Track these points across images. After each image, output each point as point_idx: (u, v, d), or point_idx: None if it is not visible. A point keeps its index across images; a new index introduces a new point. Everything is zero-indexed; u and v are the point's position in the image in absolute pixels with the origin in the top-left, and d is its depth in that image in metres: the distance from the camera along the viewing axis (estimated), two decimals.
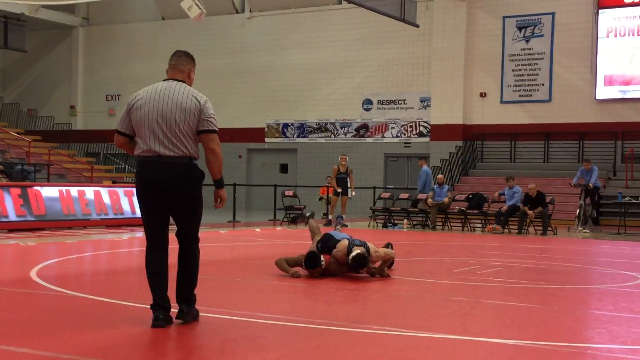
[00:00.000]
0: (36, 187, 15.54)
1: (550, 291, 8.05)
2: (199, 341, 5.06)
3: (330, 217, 19.31)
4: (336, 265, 8.27)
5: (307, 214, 10.11)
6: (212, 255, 10.21)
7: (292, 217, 19.73)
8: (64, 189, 16.04)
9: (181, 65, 5.49)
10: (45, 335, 5.06)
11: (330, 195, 20.19)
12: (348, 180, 19.51)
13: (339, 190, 19.31)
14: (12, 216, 14.55)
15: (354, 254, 7.98)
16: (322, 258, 8.18)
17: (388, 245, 9.29)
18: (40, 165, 21.68)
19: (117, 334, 5.09)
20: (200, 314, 5.56)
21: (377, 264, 8.43)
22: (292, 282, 8.02)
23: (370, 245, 8.31)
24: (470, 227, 19.00)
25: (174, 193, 5.26)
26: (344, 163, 19.66)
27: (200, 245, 5.52)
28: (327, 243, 8.38)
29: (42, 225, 15.05)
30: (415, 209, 19.70)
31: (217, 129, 5.36)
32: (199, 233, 5.55)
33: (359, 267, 8.09)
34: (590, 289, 8.36)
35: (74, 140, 31.42)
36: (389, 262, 8.69)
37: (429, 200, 19.02)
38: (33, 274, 8.17)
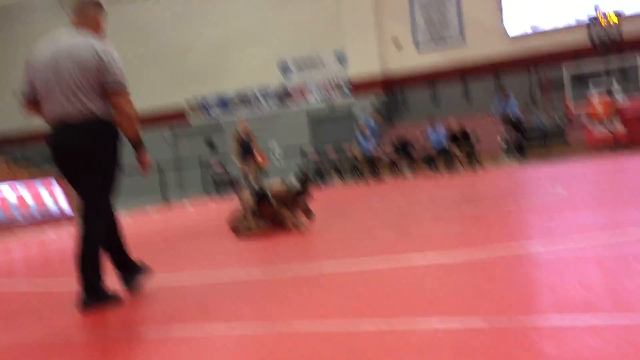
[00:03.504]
0: None
1: (473, 214, 8.15)
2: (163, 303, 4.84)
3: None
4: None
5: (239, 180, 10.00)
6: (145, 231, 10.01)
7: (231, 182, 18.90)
8: None
9: (88, 11, 4.83)
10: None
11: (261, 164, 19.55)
12: (250, 144, 17.86)
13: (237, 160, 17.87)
14: None
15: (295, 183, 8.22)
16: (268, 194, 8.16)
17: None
18: None
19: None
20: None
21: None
22: (228, 242, 7.93)
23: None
24: (401, 173, 19.14)
25: (77, 156, 4.66)
26: (242, 127, 17.96)
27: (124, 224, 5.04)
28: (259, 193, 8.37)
29: None
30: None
31: (124, 85, 4.68)
32: (106, 208, 4.81)
33: (307, 182, 8.25)
34: (513, 208, 8.49)
35: None
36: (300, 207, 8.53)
37: (356, 152, 19.09)
38: None
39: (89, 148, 4.64)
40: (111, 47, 4.76)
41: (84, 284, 4.65)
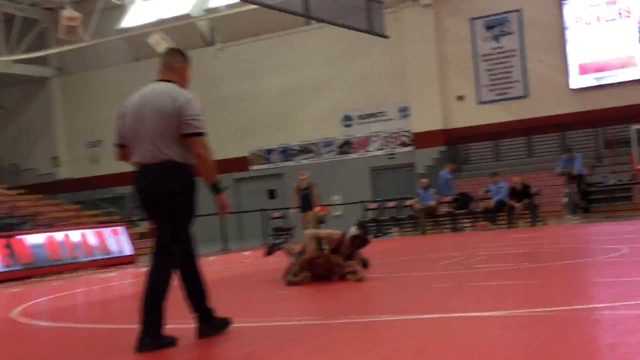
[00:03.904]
0: (19, 237, 15.44)
1: (533, 269, 8.03)
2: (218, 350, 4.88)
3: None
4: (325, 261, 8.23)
5: (278, 241, 10.02)
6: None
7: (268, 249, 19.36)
8: (48, 234, 15.95)
9: (173, 63, 5.04)
10: None
11: (320, 213, 19.89)
12: (310, 195, 18.94)
13: (293, 209, 19.16)
14: None
15: (355, 231, 8.20)
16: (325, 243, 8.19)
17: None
18: (27, 217, 21.54)
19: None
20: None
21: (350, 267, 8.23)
22: (284, 290, 7.96)
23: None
24: (460, 226, 18.98)
25: (152, 197, 4.85)
26: (304, 178, 19.14)
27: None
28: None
29: (30, 274, 14.90)
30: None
31: (201, 131, 4.83)
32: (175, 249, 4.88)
33: (365, 231, 8.36)
34: (574, 264, 8.33)
35: (59, 191, 31.24)
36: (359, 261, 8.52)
37: (416, 205, 19.04)
38: (17, 313, 8.06)
39: (162, 190, 4.81)
40: (192, 95, 4.92)
41: (144, 323, 4.71)
